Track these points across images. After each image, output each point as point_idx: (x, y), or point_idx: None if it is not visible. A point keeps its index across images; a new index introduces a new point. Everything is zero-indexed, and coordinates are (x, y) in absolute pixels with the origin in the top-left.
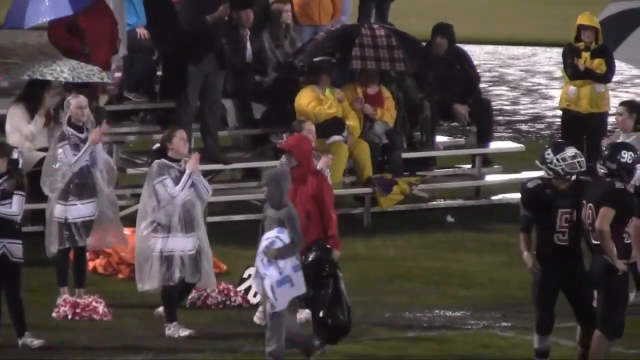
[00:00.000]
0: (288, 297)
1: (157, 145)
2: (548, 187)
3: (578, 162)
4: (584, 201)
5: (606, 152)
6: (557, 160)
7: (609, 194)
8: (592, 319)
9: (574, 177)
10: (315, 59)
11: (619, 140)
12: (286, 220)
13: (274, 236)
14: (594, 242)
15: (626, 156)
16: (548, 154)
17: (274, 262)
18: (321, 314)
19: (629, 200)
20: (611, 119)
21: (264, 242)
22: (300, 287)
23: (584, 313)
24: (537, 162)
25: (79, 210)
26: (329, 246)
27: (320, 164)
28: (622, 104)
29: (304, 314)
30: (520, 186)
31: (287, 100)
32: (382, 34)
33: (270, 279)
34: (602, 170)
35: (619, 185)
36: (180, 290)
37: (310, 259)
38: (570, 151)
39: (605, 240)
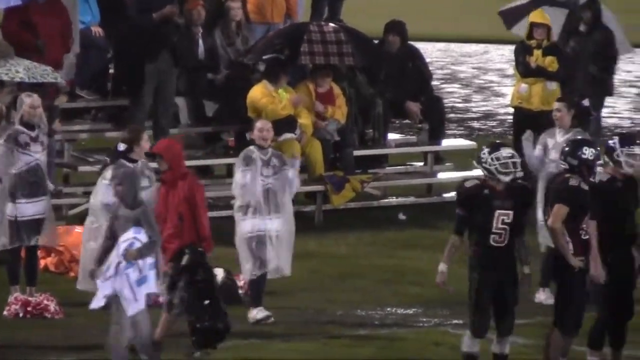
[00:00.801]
0: (144, 296)
1: (122, 144)
2: (486, 187)
3: (512, 162)
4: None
5: (567, 148)
6: (492, 159)
7: (562, 191)
8: (510, 327)
9: (508, 179)
10: (265, 57)
11: (569, 136)
12: (143, 218)
13: (131, 237)
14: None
15: (587, 152)
16: (483, 154)
17: (134, 262)
18: (193, 319)
19: (583, 198)
20: None
21: (122, 245)
22: (151, 285)
23: (505, 319)
24: (474, 161)
25: (28, 208)
26: (201, 250)
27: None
28: (561, 100)
29: None
30: (458, 185)
31: (239, 98)
32: (331, 30)
33: (130, 280)
34: (563, 166)
35: (573, 182)
36: None
37: (183, 263)
38: (506, 151)
39: (556, 238)
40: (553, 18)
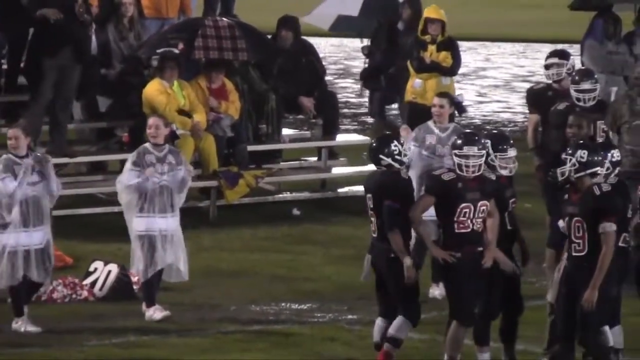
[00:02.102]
0: None
1: None
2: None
3: None
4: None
5: (459, 141)
6: (405, 150)
7: (426, 179)
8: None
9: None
10: (158, 51)
11: (450, 131)
12: None
13: None
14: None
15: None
16: (395, 146)
17: None
18: None
19: (450, 187)
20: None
21: None
22: None
23: (392, 302)
24: (381, 155)
25: None
26: None
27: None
28: (443, 95)
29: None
30: (388, 179)
31: (132, 94)
32: (225, 25)
33: None
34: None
35: (438, 171)
36: (29, 287)
37: None
38: None
39: (414, 227)
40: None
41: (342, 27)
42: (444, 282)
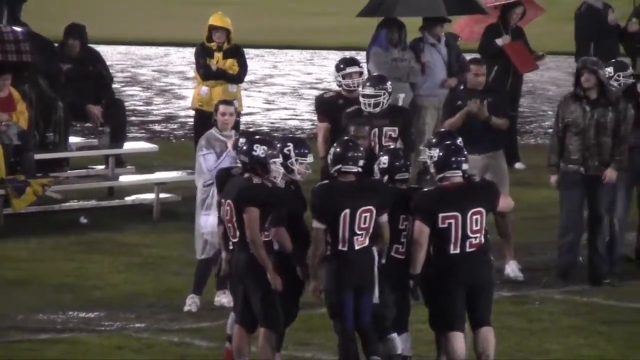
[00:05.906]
0: None
1: None
2: None
3: None
4: (222, 199)
5: (244, 147)
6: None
7: (248, 190)
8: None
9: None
10: None
11: (234, 138)
12: None
13: None
14: (233, 239)
15: (259, 150)
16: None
17: None
18: None
19: (269, 195)
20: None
21: None
22: None
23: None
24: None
25: None
26: None
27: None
28: (229, 103)
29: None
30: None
31: None
32: (8, 31)
33: None
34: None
35: (257, 180)
36: None
37: None
38: None
39: (258, 248)
40: None
41: None
42: (251, 288)
